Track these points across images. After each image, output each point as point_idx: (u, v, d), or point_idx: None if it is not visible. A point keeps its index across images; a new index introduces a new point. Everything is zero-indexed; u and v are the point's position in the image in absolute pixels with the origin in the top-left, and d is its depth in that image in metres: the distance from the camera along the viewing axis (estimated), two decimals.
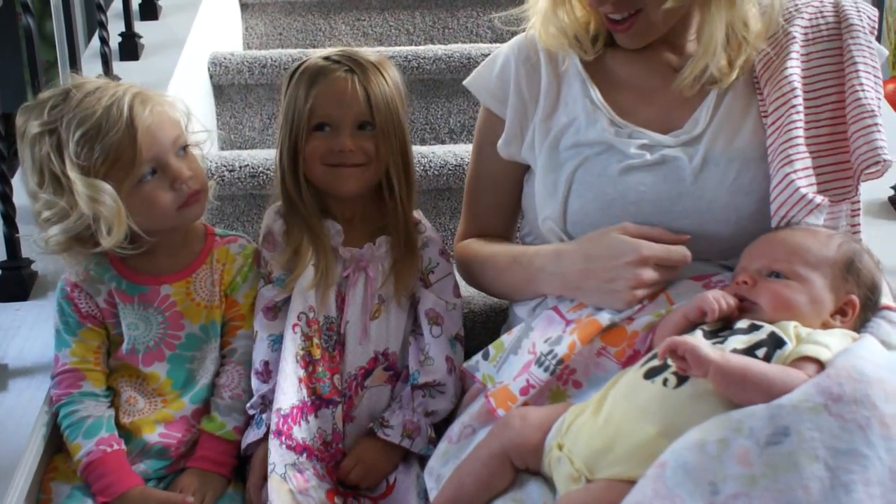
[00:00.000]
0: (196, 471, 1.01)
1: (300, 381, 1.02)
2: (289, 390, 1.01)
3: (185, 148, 1.00)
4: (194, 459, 1.02)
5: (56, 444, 1.03)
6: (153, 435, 1.02)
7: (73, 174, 0.92)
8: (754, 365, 0.77)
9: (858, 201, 1.01)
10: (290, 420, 1.00)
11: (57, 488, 0.99)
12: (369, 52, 1.10)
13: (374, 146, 1.05)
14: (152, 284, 1.03)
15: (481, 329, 1.24)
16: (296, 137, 1.05)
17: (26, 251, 1.19)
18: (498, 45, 1.79)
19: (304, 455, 1.00)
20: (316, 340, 1.04)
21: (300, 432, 1.00)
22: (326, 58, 1.07)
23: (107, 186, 0.93)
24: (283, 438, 0.99)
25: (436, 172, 1.48)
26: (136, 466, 1.01)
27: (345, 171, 1.05)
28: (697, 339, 0.83)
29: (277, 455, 0.98)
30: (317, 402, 1.03)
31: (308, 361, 1.03)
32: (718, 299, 0.86)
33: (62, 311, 1.03)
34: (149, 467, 1.02)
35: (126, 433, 1.02)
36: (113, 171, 0.93)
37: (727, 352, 0.79)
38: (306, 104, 1.04)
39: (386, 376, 1.07)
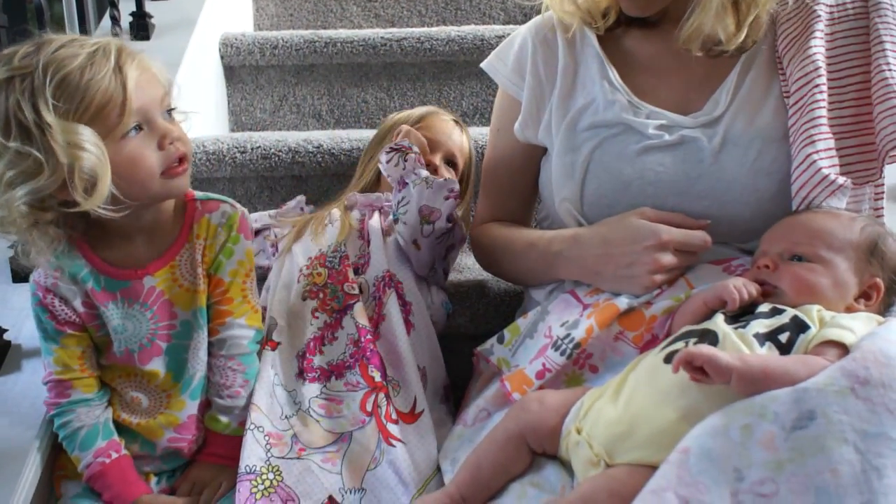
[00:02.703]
0: (206, 464, 1.00)
1: (312, 312, 1.07)
2: (305, 330, 1.06)
3: (170, 111, 0.91)
4: (204, 455, 1.01)
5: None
6: (162, 440, 0.99)
7: (51, 118, 0.80)
8: (774, 362, 0.75)
9: (882, 185, 1.00)
10: (307, 355, 1.04)
11: (66, 486, 0.98)
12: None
13: (453, 178, 1.20)
14: (134, 278, 0.93)
15: (495, 313, 1.23)
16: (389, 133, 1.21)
17: None
18: (510, 26, 1.77)
19: (333, 377, 1.02)
20: (318, 270, 1.10)
21: (320, 360, 1.04)
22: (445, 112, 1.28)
23: (88, 130, 0.81)
24: (306, 374, 1.03)
25: None
26: (152, 464, 1.00)
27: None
28: (718, 324, 0.82)
29: (305, 392, 1.02)
30: (337, 316, 1.06)
31: (315, 291, 1.08)
32: (740, 288, 0.84)
33: (38, 318, 0.94)
34: (164, 463, 1.01)
35: (135, 434, 0.98)
36: (97, 120, 0.83)
37: (745, 352, 0.77)
38: (418, 123, 1.23)
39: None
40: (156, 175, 0.88)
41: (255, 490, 0.93)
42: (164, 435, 0.98)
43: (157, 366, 0.96)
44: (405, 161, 1.10)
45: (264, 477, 0.94)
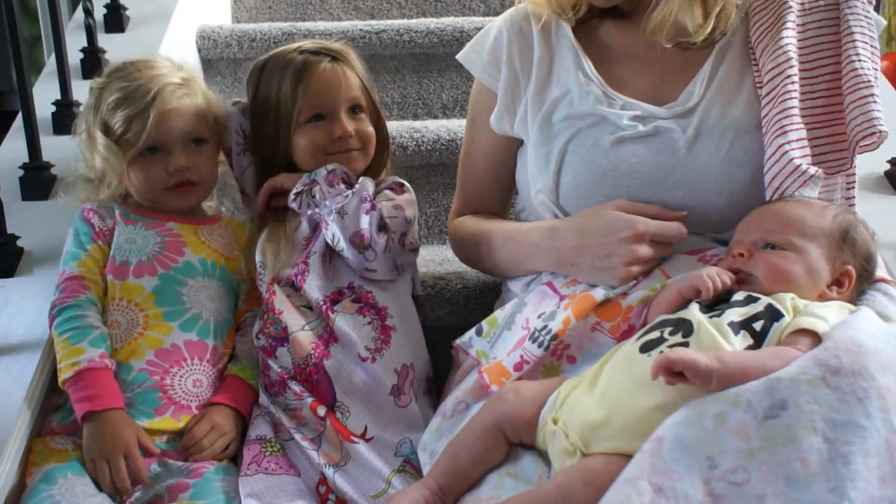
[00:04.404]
0: (225, 408, 1.02)
1: (256, 334, 1.07)
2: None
3: (199, 142, 1.09)
4: (217, 397, 1.03)
5: (37, 428, 1.00)
6: (141, 361, 1.00)
7: (97, 131, 1.06)
8: (750, 359, 0.75)
9: (854, 174, 1.01)
10: (264, 370, 1.07)
11: (34, 474, 0.95)
12: (333, 41, 1.15)
13: (368, 127, 1.11)
14: (160, 219, 1.09)
15: (474, 305, 1.23)
16: (284, 133, 1.09)
17: (12, 227, 1.17)
18: (490, 18, 1.77)
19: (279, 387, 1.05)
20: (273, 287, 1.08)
21: (274, 363, 1.05)
22: (301, 51, 1.11)
23: (116, 150, 1.05)
24: (275, 388, 1.06)
25: (428, 148, 1.46)
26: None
27: (345, 156, 1.09)
28: (692, 312, 0.83)
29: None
30: (274, 343, 1.05)
31: (262, 312, 1.08)
32: (713, 277, 0.85)
33: (76, 232, 1.07)
34: (136, 408, 0.98)
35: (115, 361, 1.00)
36: (122, 138, 1.06)
37: (720, 340, 0.77)
38: (296, 100, 1.08)
39: (356, 307, 1.06)
40: (158, 189, 1.08)
41: (264, 449, 0.99)
42: (145, 356, 1.01)
43: (144, 282, 1.05)
44: (313, 199, 1.05)
45: (273, 444, 1.01)
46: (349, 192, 1.06)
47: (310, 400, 1.02)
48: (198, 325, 1.05)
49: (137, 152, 1.06)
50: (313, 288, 1.06)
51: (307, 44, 1.13)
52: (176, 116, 1.06)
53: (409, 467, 0.99)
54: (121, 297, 1.04)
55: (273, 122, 1.09)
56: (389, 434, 1.01)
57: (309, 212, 1.07)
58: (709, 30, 0.97)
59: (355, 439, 1.00)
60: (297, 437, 1.01)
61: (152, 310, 1.03)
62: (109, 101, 1.06)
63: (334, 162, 1.09)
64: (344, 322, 1.04)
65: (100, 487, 0.94)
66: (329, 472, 0.98)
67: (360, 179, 1.08)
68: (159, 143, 1.07)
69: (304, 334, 1.04)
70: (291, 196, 1.07)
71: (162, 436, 1.00)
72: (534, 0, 1.06)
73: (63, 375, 0.96)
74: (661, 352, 0.79)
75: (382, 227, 1.05)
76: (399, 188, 1.12)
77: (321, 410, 1.01)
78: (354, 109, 1.10)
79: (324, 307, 1.05)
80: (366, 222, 1.04)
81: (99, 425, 0.94)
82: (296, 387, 1.03)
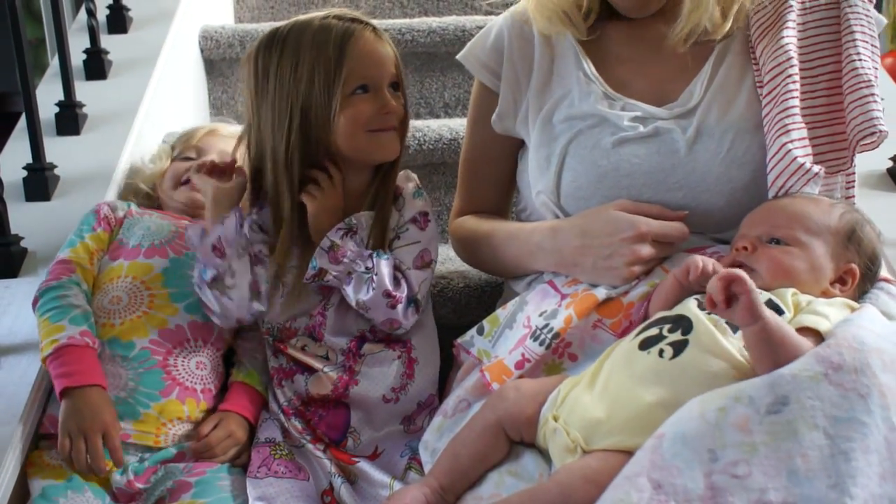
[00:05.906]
0: (232, 415, 1.02)
1: (277, 350, 1.06)
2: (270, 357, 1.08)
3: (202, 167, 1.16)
4: (230, 404, 1.03)
5: (36, 439, 0.99)
6: (143, 340, 1.01)
7: (162, 143, 1.28)
8: (791, 334, 0.74)
9: (853, 173, 1.01)
10: (275, 388, 1.07)
11: (31, 485, 0.95)
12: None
13: (404, 109, 1.04)
14: (175, 216, 1.16)
15: (476, 304, 1.23)
16: (324, 110, 0.97)
17: (15, 228, 1.18)
18: (493, 17, 1.77)
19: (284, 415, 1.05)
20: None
21: (281, 394, 1.05)
22: (336, 18, 1.01)
23: (169, 152, 1.24)
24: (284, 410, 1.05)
25: (430, 147, 1.46)
26: (118, 383, 0.99)
27: (387, 136, 1.01)
28: (690, 308, 0.83)
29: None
30: (293, 368, 1.05)
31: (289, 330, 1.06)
32: (705, 260, 0.85)
33: (81, 222, 1.11)
34: (135, 392, 0.98)
35: (112, 339, 1.01)
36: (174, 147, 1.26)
37: (718, 337, 0.77)
38: (340, 66, 0.97)
39: (381, 346, 1.05)
40: (177, 182, 1.19)
41: (273, 452, 0.99)
42: (148, 335, 1.01)
43: (154, 263, 1.07)
44: (327, 282, 1.00)
45: (282, 447, 1.00)
46: (361, 267, 0.98)
47: (308, 438, 1.02)
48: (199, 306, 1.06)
49: (177, 157, 1.23)
50: (333, 338, 1.03)
51: (334, 11, 1.02)
52: (216, 148, 1.20)
53: (416, 464, 0.99)
54: (127, 275, 1.06)
55: (317, 91, 0.97)
56: (398, 446, 1.03)
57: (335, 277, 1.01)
58: (727, 27, 0.98)
59: (358, 459, 1.00)
60: (310, 448, 1.01)
61: (159, 290, 1.05)
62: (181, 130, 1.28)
63: (375, 142, 1.00)
64: (374, 361, 1.03)
65: (95, 492, 0.93)
66: (337, 481, 0.98)
67: (378, 266, 0.98)
68: (196, 154, 1.20)
69: (324, 375, 1.02)
70: (304, 280, 1.01)
71: (173, 426, 1.00)
72: (543, 15, 1.03)
73: (43, 353, 0.96)
74: (661, 350, 0.80)
75: (413, 301, 1.02)
76: (424, 220, 1.05)
77: (320, 446, 1.01)
78: (394, 86, 1.02)
79: (350, 353, 1.03)
80: (395, 314, 1.00)
81: (77, 401, 0.93)
82: (297, 423, 1.02)
